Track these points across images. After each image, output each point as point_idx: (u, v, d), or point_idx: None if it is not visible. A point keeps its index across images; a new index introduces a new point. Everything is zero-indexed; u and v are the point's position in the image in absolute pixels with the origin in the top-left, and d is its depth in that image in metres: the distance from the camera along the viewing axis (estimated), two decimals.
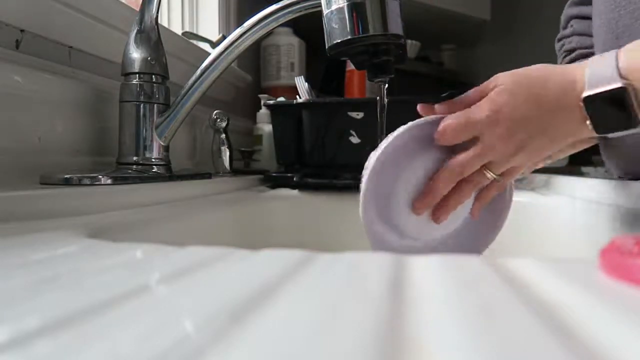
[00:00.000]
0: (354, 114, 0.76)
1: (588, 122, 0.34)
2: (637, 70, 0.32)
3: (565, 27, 0.70)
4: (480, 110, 0.37)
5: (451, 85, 1.46)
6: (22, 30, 0.48)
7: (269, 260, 0.20)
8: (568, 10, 0.69)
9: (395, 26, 0.44)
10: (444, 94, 0.86)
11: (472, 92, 0.40)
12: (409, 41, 1.34)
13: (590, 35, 0.65)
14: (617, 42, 0.48)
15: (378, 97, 0.48)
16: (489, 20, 1.52)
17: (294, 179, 0.74)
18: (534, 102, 0.36)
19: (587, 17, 0.66)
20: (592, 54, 0.66)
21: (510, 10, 1.68)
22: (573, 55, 0.70)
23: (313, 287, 0.16)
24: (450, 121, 0.38)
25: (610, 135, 0.35)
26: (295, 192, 0.74)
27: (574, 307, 0.14)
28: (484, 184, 0.41)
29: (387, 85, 0.47)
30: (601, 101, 0.33)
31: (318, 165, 0.79)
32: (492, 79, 0.39)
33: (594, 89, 0.33)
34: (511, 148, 0.37)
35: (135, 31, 0.54)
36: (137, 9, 0.56)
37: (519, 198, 0.66)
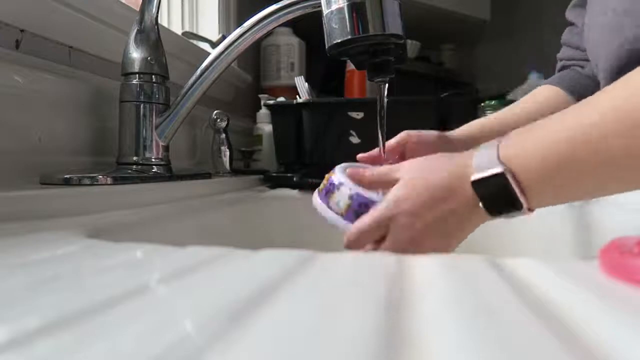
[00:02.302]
0: (354, 114, 0.76)
1: (480, 204, 0.36)
2: (513, 156, 0.34)
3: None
4: (384, 209, 0.40)
5: (451, 85, 1.46)
6: (22, 30, 0.48)
7: (269, 260, 0.20)
8: (567, 14, 0.69)
9: (395, 26, 0.44)
10: (443, 94, 0.86)
11: (381, 173, 0.43)
12: (409, 41, 1.34)
13: (574, 47, 0.67)
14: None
15: (378, 97, 0.48)
16: (489, 20, 1.52)
17: (294, 179, 0.75)
18: (428, 200, 0.39)
19: (575, 24, 0.66)
20: (577, 65, 0.66)
21: (510, 10, 1.68)
22: (558, 65, 0.71)
23: (313, 287, 0.16)
24: (354, 229, 0.41)
25: (504, 217, 0.36)
26: (295, 192, 0.74)
27: (574, 307, 0.14)
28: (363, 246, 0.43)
29: (387, 85, 0.47)
30: (487, 184, 0.35)
31: (318, 165, 0.79)
32: (395, 166, 0.42)
33: (480, 173, 0.36)
34: (415, 235, 0.39)
35: (135, 31, 0.54)
36: (137, 9, 0.56)
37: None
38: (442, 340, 0.12)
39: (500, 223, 0.60)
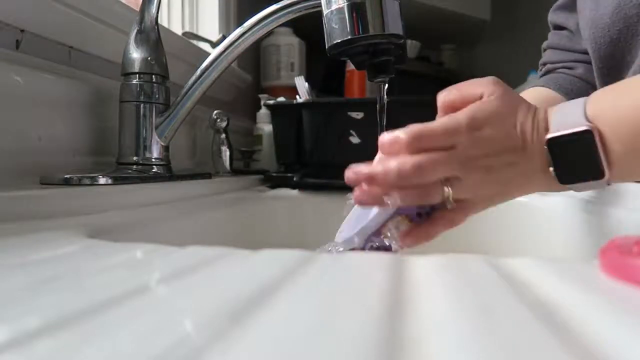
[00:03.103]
0: (354, 114, 0.76)
1: (551, 168, 0.32)
2: (603, 115, 0.30)
3: (548, 38, 0.69)
4: (459, 119, 0.33)
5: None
6: (22, 30, 0.48)
7: (269, 260, 0.20)
8: (550, 17, 0.68)
9: (395, 26, 0.44)
10: None
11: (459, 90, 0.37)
12: (409, 41, 1.34)
13: (562, 49, 0.66)
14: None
15: (378, 97, 0.48)
16: (489, 20, 1.52)
17: (294, 179, 0.74)
18: (511, 126, 0.33)
19: (563, 27, 0.66)
20: (565, 67, 0.65)
21: (510, 10, 1.68)
22: (543, 69, 0.69)
23: (313, 287, 0.16)
24: (421, 128, 0.33)
25: (574, 188, 0.32)
26: (295, 192, 0.74)
27: (574, 307, 0.14)
28: (432, 201, 0.34)
29: (387, 85, 0.47)
30: (565, 144, 0.31)
31: (318, 165, 0.79)
32: (477, 83, 0.36)
33: (559, 131, 0.31)
34: (483, 166, 0.33)
35: (135, 31, 0.54)
36: (137, 9, 0.56)
37: (519, 198, 0.66)
38: (442, 340, 0.12)
39: (500, 223, 0.60)
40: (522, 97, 0.36)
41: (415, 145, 0.32)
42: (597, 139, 0.30)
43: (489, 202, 0.36)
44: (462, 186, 0.33)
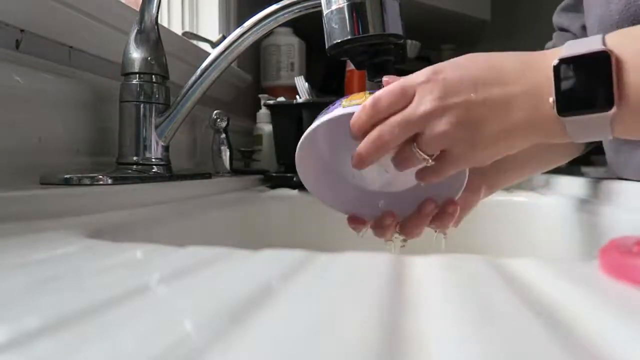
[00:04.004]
0: None
1: (551, 99, 0.28)
2: (625, 45, 0.27)
3: (552, 38, 0.68)
4: (413, 77, 0.32)
5: None
6: (22, 30, 0.48)
7: (269, 260, 0.20)
8: (554, 19, 0.67)
9: (395, 26, 0.44)
10: None
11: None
12: (409, 41, 1.34)
13: None
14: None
15: None
16: (489, 20, 1.52)
17: (294, 179, 0.74)
18: (484, 63, 0.31)
19: (567, 30, 0.65)
20: None
21: (510, 10, 1.68)
22: None
23: (313, 287, 0.16)
24: (370, 99, 0.32)
25: (574, 124, 0.29)
26: (295, 192, 0.74)
27: (574, 307, 0.14)
28: (411, 164, 0.33)
29: None
30: (575, 65, 0.27)
31: None
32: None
33: (571, 52, 0.28)
34: (442, 112, 0.30)
35: (135, 31, 0.54)
36: (137, 9, 0.56)
37: (519, 198, 0.66)
38: (442, 340, 0.12)
39: (500, 223, 0.60)
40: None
41: (375, 116, 0.32)
42: (613, 62, 0.26)
43: (480, 150, 0.31)
44: (427, 138, 0.31)
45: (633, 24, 0.49)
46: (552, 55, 0.30)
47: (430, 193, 0.40)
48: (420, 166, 0.34)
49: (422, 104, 0.30)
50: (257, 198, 0.70)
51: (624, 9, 0.50)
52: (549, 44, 0.68)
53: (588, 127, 0.28)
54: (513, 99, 0.29)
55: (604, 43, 0.27)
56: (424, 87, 0.30)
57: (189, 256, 0.21)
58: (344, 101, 0.37)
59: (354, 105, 0.34)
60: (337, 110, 0.36)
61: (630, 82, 0.26)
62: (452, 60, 0.32)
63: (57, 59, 0.53)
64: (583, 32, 0.61)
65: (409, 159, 0.33)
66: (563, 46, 0.30)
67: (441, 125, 0.30)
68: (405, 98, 0.31)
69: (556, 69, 0.28)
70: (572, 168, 1.10)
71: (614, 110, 0.26)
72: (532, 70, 0.30)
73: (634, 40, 0.28)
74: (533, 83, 0.29)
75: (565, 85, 0.28)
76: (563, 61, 0.28)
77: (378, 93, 0.32)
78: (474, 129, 0.30)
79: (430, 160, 0.32)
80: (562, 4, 0.66)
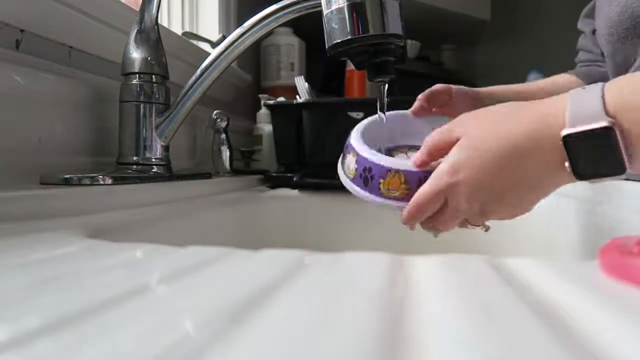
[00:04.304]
0: (354, 114, 0.76)
1: (567, 164, 0.30)
2: (626, 109, 0.28)
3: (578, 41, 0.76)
4: (440, 178, 0.36)
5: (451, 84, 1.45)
6: (22, 30, 0.48)
7: (269, 260, 0.20)
8: (578, 24, 0.74)
9: (395, 26, 0.44)
10: None
11: (437, 138, 0.38)
12: (409, 41, 1.34)
13: (588, 51, 0.73)
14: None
15: (378, 97, 0.48)
16: (489, 20, 1.52)
17: (294, 179, 0.74)
18: (499, 154, 0.33)
19: (584, 33, 0.74)
20: (594, 65, 0.71)
21: (510, 10, 1.68)
22: (576, 68, 0.76)
23: (313, 287, 0.16)
24: (413, 204, 0.38)
25: (592, 181, 0.31)
26: (295, 192, 0.74)
27: (574, 307, 0.14)
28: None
29: (387, 85, 0.47)
30: (584, 141, 0.29)
31: (318, 165, 0.79)
32: (455, 122, 0.37)
33: (576, 126, 0.29)
34: (478, 207, 0.35)
35: (135, 31, 0.54)
36: (137, 9, 0.56)
37: None
38: (442, 340, 0.12)
39: (500, 223, 0.60)
40: (513, 104, 0.36)
41: (422, 217, 0.38)
42: (619, 136, 0.28)
43: (509, 213, 0.37)
44: (476, 219, 0.37)
45: (632, 24, 0.51)
46: (558, 117, 0.31)
47: None
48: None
49: (459, 205, 0.36)
50: (257, 198, 0.70)
51: (622, 11, 0.52)
52: (577, 46, 0.76)
53: (605, 180, 0.31)
54: (528, 177, 0.33)
55: (605, 110, 0.28)
56: (452, 190, 0.35)
57: (189, 256, 0.21)
58: (381, 187, 0.41)
59: (392, 199, 0.40)
60: (379, 199, 0.41)
61: (635, 148, 0.29)
62: (464, 151, 0.35)
63: (57, 59, 0.53)
64: (593, 35, 0.68)
65: (422, 217, 0.39)
66: (568, 103, 0.31)
67: (479, 212, 0.36)
68: (441, 200, 0.37)
69: (565, 141, 0.30)
70: None
71: (627, 171, 0.29)
72: (542, 135, 0.32)
73: (631, 104, 0.29)
74: (546, 152, 0.31)
75: (577, 157, 0.30)
76: (569, 137, 0.30)
77: (420, 198, 0.37)
78: (510, 205, 0.35)
79: (483, 227, 0.39)
80: (584, 10, 0.73)
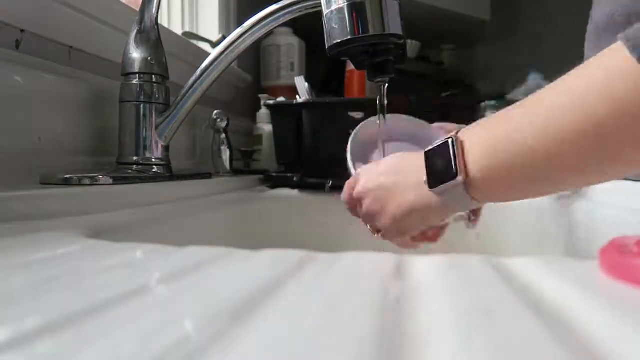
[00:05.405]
0: (354, 114, 0.76)
1: (424, 177, 0.37)
2: (470, 130, 0.36)
3: None
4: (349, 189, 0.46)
5: (451, 85, 1.46)
6: (22, 30, 0.48)
7: (269, 260, 0.20)
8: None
9: (395, 26, 0.44)
10: (444, 94, 0.86)
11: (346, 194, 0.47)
12: (409, 41, 1.34)
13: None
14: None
15: (378, 97, 0.48)
16: (489, 20, 1.52)
17: (294, 179, 0.74)
18: (383, 170, 0.42)
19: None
20: None
21: (510, 10, 1.68)
22: None
23: (313, 287, 0.16)
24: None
25: (441, 195, 0.36)
26: (295, 192, 0.74)
27: (574, 307, 0.14)
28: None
29: (387, 85, 0.47)
30: (435, 153, 0.36)
31: (318, 166, 0.79)
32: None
33: (436, 144, 0.37)
34: (371, 217, 0.43)
35: (135, 31, 0.54)
36: (137, 9, 0.56)
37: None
38: (442, 340, 0.12)
39: (500, 223, 0.60)
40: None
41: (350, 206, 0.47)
42: (457, 144, 0.34)
43: (396, 224, 0.42)
44: (384, 233, 0.44)
45: (608, 25, 0.52)
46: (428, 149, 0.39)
47: None
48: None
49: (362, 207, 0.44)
50: (257, 198, 0.70)
51: (608, 16, 0.51)
52: None
53: (453, 197, 0.35)
54: (403, 186, 0.40)
55: (457, 134, 0.36)
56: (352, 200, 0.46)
57: (189, 256, 0.21)
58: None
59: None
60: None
61: (470, 158, 0.34)
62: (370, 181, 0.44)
63: (57, 59, 0.53)
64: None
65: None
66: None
67: (363, 216, 0.45)
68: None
69: (426, 156, 0.38)
70: None
71: (460, 178, 0.34)
72: (415, 161, 0.39)
73: (479, 127, 0.35)
74: (412, 168, 0.39)
75: (429, 169, 0.37)
76: (430, 150, 0.37)
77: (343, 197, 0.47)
78: (381, 210, 0.42)
79: (377, 235, 0.45)
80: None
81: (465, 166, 0.34)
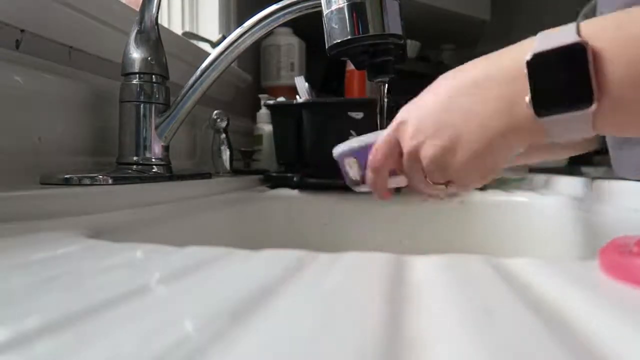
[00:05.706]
0: (354, 114, 0.76)
1: (527, 97, 0.26)
2: (603, 33, 0.25)
3: None
4: (389, 126, 0.37)
5: None
6: (22, 30, 0.48)
7: (269, 260, 0.20)
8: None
9: (395, 26, 0.44)
10: None
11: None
12: (409, 41, 1.34)
13: None
14: None
15: (378, 97, 0.48)
16: (488, 20, 1.52)
17: (294, 179, 0.74)
18: (445, 91, 0.31)
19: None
20: None
21: (510, 10, 1.68)
22: None
23: (313, 287, 0.16)
24: (372, 150, 0.39)
25: (552, 125, 0.27)
26: (295, 192, 0.74)
27: (574, 307, 0.14)
28: (439, 195, 0.40)
29: (387, 85, 0.47)
30: (551, 60, 0.25)
31: (318, 166, 0.79)
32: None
33: (544, 47, 0.26)
34: (428, 147, 0.34)
35: (135, 31, 0.54)
36: (137, 9, 0.56)
37: (519, 198, 0.66)
38: (442, 340, 0.12)
39: (500, 223, 0.60)
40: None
41: (380, 162, 0.39)
42: (589, 53, 0.24)
43: (463, 165, 0.33)
44: (431, 171, 0.36)
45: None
46: (525, 48, 0.28)
47: None
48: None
49: (407, 144, 0.35)
50: (257, 198, 0.70)
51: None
52: None
53: (568, 127, 0.26)
54: (483, 111, 0.29)
55: (578, 33, 0.25)
56: (399, 129, 0.36)
57: (189, 256, 0.21)
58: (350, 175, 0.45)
59: (361, 185, 0.44)
60: (355, 187, 0.45)
61: (609, 73, 0.24)
62: (407, 105, 0.37)
63: (57, 59, 0.53)
64: None
65: (434, 194, 0.39)
66: (536, 37, 0.27)
67: (432, 158, 0.34)
68: (393, 142, 0.37)
69: (530, 65, 0.26)
70: (572, 168, 1.11)
71: (594, 106, 0.24)
72: (503, 69, 0.29)
73: (612, 26, 0.25)
74: (505, 86, 0.28)
75: (541, 83, 0.26)
76: (536, 57, 0.26)
77: (376, 144, 0.39)
78: (452, 154, 0.32)
79: (445, 187, 0.37)
80: (584, 9, 0.71)
81: (603, 89, 0.24)
